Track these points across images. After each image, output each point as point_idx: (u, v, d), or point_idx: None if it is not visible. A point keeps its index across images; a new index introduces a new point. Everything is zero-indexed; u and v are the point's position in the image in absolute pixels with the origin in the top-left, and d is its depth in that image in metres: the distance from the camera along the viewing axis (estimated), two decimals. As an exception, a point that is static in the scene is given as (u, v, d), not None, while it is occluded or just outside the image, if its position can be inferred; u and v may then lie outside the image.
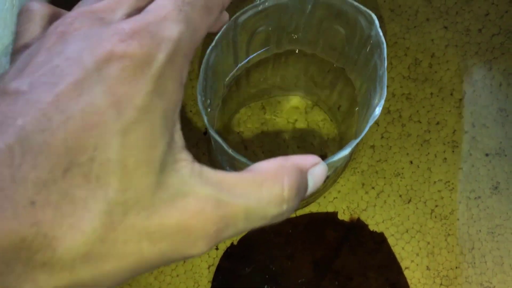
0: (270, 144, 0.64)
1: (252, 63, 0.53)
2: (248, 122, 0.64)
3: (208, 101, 0.43)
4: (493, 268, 0.59)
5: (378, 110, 0.39)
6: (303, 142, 0.64)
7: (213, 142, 0.43)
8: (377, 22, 0.42)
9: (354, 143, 0.38)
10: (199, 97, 0.39)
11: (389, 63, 0.66)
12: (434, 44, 0.66)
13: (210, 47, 0.41)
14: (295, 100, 0.65)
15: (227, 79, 0.50)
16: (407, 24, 0.67)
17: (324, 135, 0.64)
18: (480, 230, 0.60)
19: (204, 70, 0.40)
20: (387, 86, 0.63)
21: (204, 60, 0.41)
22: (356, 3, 0.43)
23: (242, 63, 0.51)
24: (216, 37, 0.42)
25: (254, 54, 0.51)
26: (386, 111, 0.64)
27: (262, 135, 0.64)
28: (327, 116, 0.64)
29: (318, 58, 0.54)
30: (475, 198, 0.61)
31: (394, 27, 0.67)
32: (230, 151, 0.37)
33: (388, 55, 0.66)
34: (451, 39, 0.66)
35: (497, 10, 0.67)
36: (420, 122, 0.64)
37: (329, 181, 0.57)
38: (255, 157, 0.63)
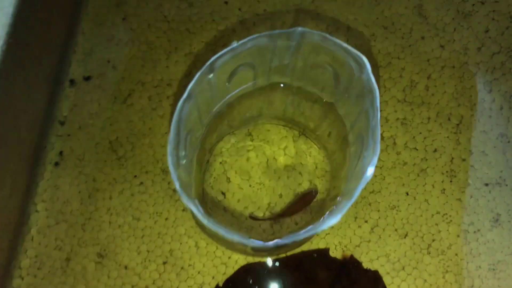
0: (261, 176, 0.59)
1: (234, 98, 0.49)
2: (232, 150, 0.60)
3: (183, 152, 0.39)
4: (494, 307, 0.56)
5: (370, 171, 0.35)
6: (293, 171, 0.60)
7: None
8: (369, 66, 0.38)
9: (346, 207, 0.34)
10: (169, 159, 0.34)
11: (383, 85, 0.62)
12: (430, 64, 0.62)
13: (182, 99, 0.37)
14: (283, 128, 0.60)
15: (206, 119, 0.46)
16: (401, 43, 0.63)
17: (312, 164, 0.60)
18: (480, 266, 0.57)
19: (176, 124, 0.36)
20: (381, 110, 0.59)
21: (175, 114, 0.36)
22: (345, 45, 0.39)
23: (223, 100, 0.46)
24: (189, 87, 0.37)
25: (236, 91, 0.46)
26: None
27: (248, 164, 0.60)
28: (314, 144, 0.60)
29: (306, 91, 0.49)
30: (475, 231, 0.58)
31: (387, 46, 0.63)
32: (205, 222, 0.33)
33: (381, 77, 0.61)
34: (448, 59, 0.62)
35: (497, 27, 0.63)
36: (417, 150, 0.60)
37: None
38: (240, 192, 0.59)
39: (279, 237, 0.48)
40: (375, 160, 0.35)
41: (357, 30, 0.63)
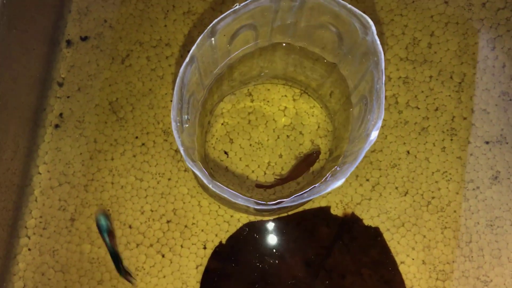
0: (258, 134, 0.60)
1: (234, 59, 0.48)
2: (233, 111, 0.60)
3: (185, 116, 0.39)
4: (491, 262, 0.57)
5: (374, 134, 0.35)
6: (292, 131, 0.60)
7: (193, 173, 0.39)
8: (373, 27, 0.37)
9: (349, 170, 0.34)
10: (173, 124, 0.34)
11: (385, 43, 0.61)
12: (433, 21, 0.61)
13: (184, 64, 0.36)
14: (283, 88, 0.60)
15: (207, 81, 0.45)
16: (404, -1, 0.61)
17: (314, 124, 0.60)
18: (478, 223, 0.58)
19: (179, 89, 0.35)
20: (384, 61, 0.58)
21: (178, 79, 0.36)
22: (349, 6, 0.38)
23: (224, 62, 0.46)
24: (191, 51, 0.37)
25: (237, 52, 0.45)
26: (381, 96, 0.60)
27: (249, 126, 0.60)
28: (316, 103, 0.60)
29: (308, 51, 0.49)
30: (474, 189, 0.59)
31: (390, 3, 0.61)
32: (210, 186, 0.33)
33: (384, 34, 0.60)
34: (452, 16, 0.61)
35: (502, -18, 0.61)
36: (418, 108, 0.60)
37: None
38: (241, 151, 0.59)
39: (281, 197, 0.48)
40: (379, 124, 0.35)
41: (359, -14, 0.61)
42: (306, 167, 0.56)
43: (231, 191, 0.35)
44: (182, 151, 0.35)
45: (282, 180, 0.56)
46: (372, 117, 0.36)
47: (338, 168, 0.40)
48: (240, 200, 0.35)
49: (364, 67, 0.40)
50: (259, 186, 0.57)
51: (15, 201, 0.58)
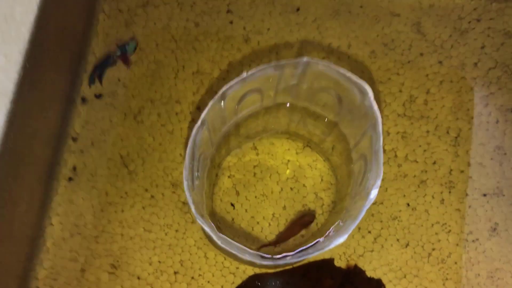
0: (263, 187, 0.62)
1: (241, 118, 0.51)
2: (239, 165, 0.63)
3: (196, 173, 0.41)
4: (493, 313, 0.58)
5: (374, 193, 0.37)
6: (296, 183, 0.62)
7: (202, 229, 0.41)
8: (371, 93, 0.40)
9: (351, 227, 0.37)
10: (185, 183, 0.37)
11: (383, 100, 0.64)
12: (429, 79, 0.64)
13: (196, 127, 0.39)
14: (286, 141, 0.63)
15: (216, 139, 0.48)
16: (401, 59, 0.65)
17: (318, 177, 0.62)
18: (479, 274, 0.59)
19: (191, 151, 0.38)
20: (382, 124, 0.62)
21: (190, 141, 0.39)
22: (348, 74, 0.41)
23: (231, 121, 0.49)
24: (202, 115, 0.40)
25: (244, 112, 0.49)
26: (381, 150, 0.62)
27: (255, 179, 0.62)
28: (319, 157, 0.62)
29: (310, 110, 0.52)
30: (473, 240, 0.60)
31: (387, 63, 0.65)
32: (219, 242, 0.36)
33: (382, 92, 0.64)
34: (446, 75, 0.64)
35: (493, 43, 0.65)
36: (417, 162, 0.62)
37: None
38: (247, 203, 0.62)
39: (286, 250, 0.50)
40: (378, 183, 0.38)
41: (358, 47, 0.65)
42: (299, 229, 0.58)
43: (239, 245, 0.37)
44: (193, 209, 0.37)
45: (275, 242, 0.58)
46: (371, 176, 0.39)
47: (341, 223, 0.42)
48: (247, 256, 0.37)
49: (363, 127, 0.43)
50: (262, 246, 0.59)
51: (27, 252, 0.60)
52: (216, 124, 0.46)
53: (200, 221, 0.37)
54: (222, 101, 0.42)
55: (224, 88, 0.41)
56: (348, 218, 0.39)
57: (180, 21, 0.67)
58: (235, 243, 0.38)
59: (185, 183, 0.37)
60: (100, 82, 0.63)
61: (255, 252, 0.38)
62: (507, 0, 0.66)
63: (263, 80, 0.44)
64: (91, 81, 0.63)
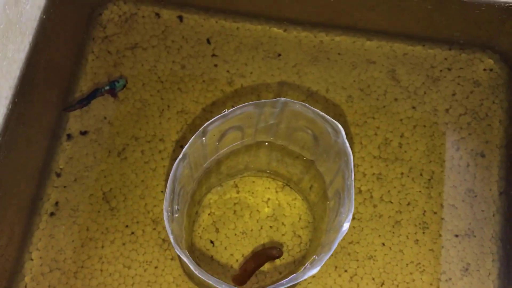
0: (243, 224, 0.63)
1: (222, 155, 0.53)
2: (219, 202, 0.64)
3: (176, 206, 0.43)
4: None
5: (346, 226, 0.39)
6: (275, 221, 0.64)
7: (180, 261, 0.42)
8: (343, 132, 0.43)
9: (324, 259, 0.38)
10: (165, 214, 0.38)
11: (360, 142, 0.67)
12: (403, 124, 0.68)
13: (177, 160, 0.41)
14: (267, 180, 0.65)
15: (197, 174, 0.50)
16: (376, 104, 0.68)
17: (296, 215, 0.64)
18: (452, 314, 0.60)
19: (171, 183, 0.40)
20: (358, 166, 0.64)
21: (172, 173, 0.41)
22: (322, 113, 0.44)
23: (212, 157, 0.51)
24: (184, 149, 0.42)
25: (225, 149, 0.51)
26: (357, 191, 0.65)
27: (235, 216, 0.64)
28: (298, 196, 0.64)
29: (288, 149, 0.54)
30: (446, 280, 0.62)
31: (363, 107, 0.68)
32: (197, 272, 0.37)
33: (358, 134, 0.67)
34: (420, 119, 0.68)
35: (463, 91, 0.69)
36: (392, 203, 0.64)
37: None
38: (227, 240, 0.63)
39: (264, 286, 0.51)
40: (350, 217, 0.40)
41: (336, 92, 0.68)
42: (265, 259, 0.59)
43: (216, 279, 0.38)
44: (172, 239, 0.39)
45: (243, 271, 0.59)
46: (344, 210, 0.41)
47: (316, 257, 0.44)
48: (224, 286, 0.39)
49: (337, 165, 0.46)
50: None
51: (4, 286, 0.60)
52: (198, 159, 0.48)
53: (178, 251, 0.38)
54: (204, 137, 0.44)
55: (206, 124, 0.43)
56: (322, 252, 0.41)
57: (167, 63, 0.70)
58: (212, 276, 0.39)
59: (164, 214, 0.39)
60: (81, 107, 0.66)
61: (231, 286, 0.39)
62: (475, 52, 0.70)
63: (244, 118, 0.46)
64: (70, 108, 0.66)
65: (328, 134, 0.45)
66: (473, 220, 0.64)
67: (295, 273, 0.51)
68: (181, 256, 0.38)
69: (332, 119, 0.45)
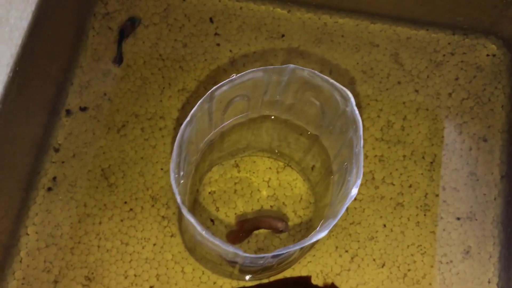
0: (244, 204, 0.63)
1: (227, 127, 0.52)
2: (220, 181, 0.63)
3: (181, 172, 0.42)
4: (466, 336, 0.59)
5: (354, 191, 0.38)
6: (276, 201, 0.63)
7: (185, 219, 0.42)
8: (352, 99, 0.42)
9: (331, 224, 0.38)
10: (172, 175, 0.38)
11: (362, 125, 0.66)
12: (405, 107, 0.67)
13: (185, 123, 0.40)
14: (268, 160, 0.64)
15: (201, 145, 0.49)
16: (379, 87, 0.68)
17: (297, 195, 0.63)
18: (452, 296, 0.60)
19: (178, 145, 0.39)
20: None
21: (179, 136, 0.40)
22: (331, 80, 0.43)
23: (217, 129, 0.50)
24: (191, 112, 0.41)
25: (230, 120, 0.50)
26: (359, 172, 0.64)
27: (235, 195, 0.63)
28: (299, 176, 0.64)
29: (293, 124, 0.53)
30: (447, 262, 0.61)
31: (366, 89, 0.68)
32: (204, 233, 0.36)
33: (361, 116, 0.66)
34: (422, 103, 0.68)
35: (466, 75, 0.69)
36: (393, 185, 0.64)
37: (305, 249, 0.56)
38: (227, 219, 0.62)
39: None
40: (358, 182, 0.39)
41: (339, 74, 0.68)
42: (267, 226, 0.59)
43: (222, 241, 0.37)
44: (178, 200, 0.38)
45: (243, 222, 0.59)
46: (351, 178, 0.40)
47: (319, 228, 0.43)
48: (231, 248, 0.38)
49: (344, 136, 0.45)
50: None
51: (0, 261, 0.59)
52: (203, 127, 0.47)
53: (184, 211, 0.38)
54: (212, 102, 0.43)
55: (213, 88, 0.42)
56: (330, 217, 0.40)
57: (169, 41, 0.69)
58: (217, 238, 0.38)
59: (171, 175, 0.38)
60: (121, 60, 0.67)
61: (237, 248, 0.39)
62: (478, 37, 0.70)
63: (251, 86, 0.45)
64: (119, 61, 0.67)
65: (337, 103, 0.45)
66: (475, 203, 0.64)
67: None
68: (187, 216, 0.38)
69: (342, 86, 0.44)
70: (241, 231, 0.58)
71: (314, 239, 0.38)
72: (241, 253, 0.38)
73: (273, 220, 0.59)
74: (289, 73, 0.45)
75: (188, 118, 0.41)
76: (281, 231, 0.59)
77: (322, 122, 0.49)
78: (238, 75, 0.43)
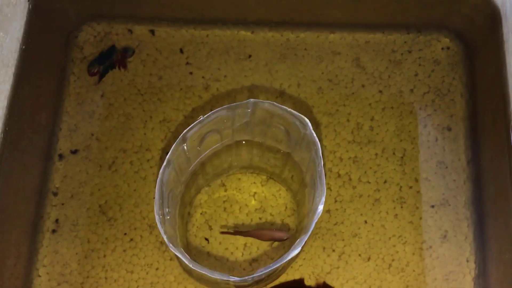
0: (234, 219, 0.67)
1: (205, 158, 0.57)
2: (209, 201, 0.68)
3: (166, 209, 0.47)
4: (452, 313, 0.64)
5: (320, 208, 0.43)
6: (263, 213, 0.68)
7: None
8: (309, 124, 0.47)
9: (304, 239, 0.42)
10: (156, 217, 0.42)
11: (334, 130, 0.71)
12: (372, 108, 0.72)
13: (163, 167, 0.45)
14: (251, 175, 0.69)
15: (183, 178, 0.54)
16: (345, 92, 0.73)
17: (282, 205, 0.68)
18: (435, 278, 0.65)
19: (159, 188, 0.44)
20: (335, 151, 0.68)
21: (158, 180, 0.45)
22: (289, 110, 0.48)
23: (196, 161, 0.55)
24: (167, 156, 0.46)
25: (207, 152, 0.55)
26: (336, 175, 0.69)
27: (225, 213, 0.68)
28: (281, 187, 0.68)
29: (266, 145, 0.58)
30: (427, 248, 0.66)
31: (334, 96, 0.72)
32: (191, 265, 0.41)
33: (331, 122, 0.71)
34: (387, 102, 0.72)
35: (424, 70, 0.73)
36: (369, 183, 0.69)
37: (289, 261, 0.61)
38: (220, 236, 0.67)
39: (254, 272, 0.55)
40: (323, 199, 0.44)
41: (307, 85, 0.73)
42: (270, 238, 0.64)
43: (209, 269, 0.42)
44: (165, 239, 0.43)
45: (245, 232, 0.64)
46: (318, 194, 0.45)
47: (298, 241, 0.48)
48: (217, 275, 0.43)
49: (309, 154, 0.50)
50: (224, 232, 0.64)
51: (18, 304, 0.64)
52: (182, 164, 0.52)
53: (172, 248, 0.43)
54: (185, 143, 0.48)
55: (184, 131, 0.47)
56: (302, 233, 0.45)
57: (144, 76, 0.74)
58: (205, 268, 0.43)
59: (156, 217, 0.43)
60: (100, 79, 0.69)
61: (223, 274, 0.44)
62: (432, 33, 0.75)
63: (219, 121, 0.50)
64: (92, 71, 0.69)
65: (297, 128, 0.49)
66: (446, 189, 0.68)
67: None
68: (175, 253, 0.42)
69: (299, 114, 0.49)
70: (238, 234, 0.63)
71: (290, 256, 0.43)
72: (226, 278, 0.43)
73: (274, 232, 0.64)
74: (252, 106, 0.50)
75: (165, 162, 0.46)
76: (285, 240, 0.64)
77: (289, 143, 0.54)
78: (205, 116, 0.48)
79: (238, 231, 0.65)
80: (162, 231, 0.43)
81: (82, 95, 0.74)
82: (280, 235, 0.63)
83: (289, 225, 0.67)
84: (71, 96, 0.73)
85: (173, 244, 0.45)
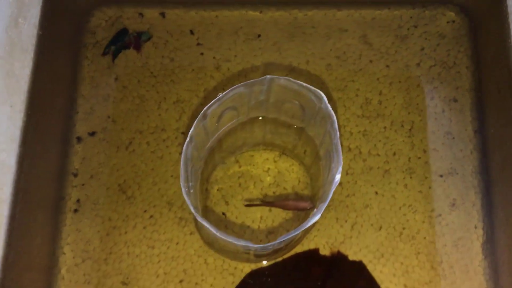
0: (249, 194, 0.70)
1: (222, 134, 0.59)
2: (225, 178, 0.71)
3: (190, 183, 0.49)
4: (461, 277, 0.66)
5: (337, 177, 0.46)
6: (277, 187, 0.70)
7: (200, 224, 0.49)
8: (325, 98, 0.49)
9: (323, 207, 0.45)
10: (183, 189, 0.45)
11: (343, 105, 0.73)
12: (380, 82, 0.74)
13: (186, 143, 0.47)
14: (264, 152, 0.71)
15: (203, 153, 0.56)
16: (353, 68, 0.74)
17: (295, 179, 0.71)
18: (445, 245, 0.68)
19: (184, 163, 0.46)
20: (345, 126, 0.70)
21: (183, 155, 0.47)
22: (305, 84, 0.50)
23: (214, 137, 0.57)
24: (190, 132, 0.48)
25: (224, 128, 0.57)
26: (347, 149, 0.71)
27: (240, 188, 0.70)
28: (294, 161, 0.71)
29: (280, 120, 0.60)
30: (437, 216, 0.69)
31: (342, 72, 0.74)
32: (218, 234, 0.43)
33: (341, 98, 0.73)
34: (394, 76, 0.74)
35: (430, 44, 0.75)
36: (379, 155, 0.71)
37: (307, 230, 0.63)
38: (236, 210, 0.69)
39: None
40: (340, 169, 0.46)
41: (315, 63, 0.75)
42: (294, 208, 0.66)
43: (234, 237, 0.45)
44: (192, 209, 0.45)
45: (269, 203, 0.67)
46: (334, 165, 0.47)
47: (316, 210, 0.51)
48: (242, 242, 0.45)
49: (324, 128, 0.52)
50: (249, 205, 0.67)
51: (45, 280, 0.67)
52: (202, 140, 0.54)
53: (199, 218, 0.45)
54: (205, 120, 0.50)
55: (205, 108, 0.49)
56: (321, 201, 0.47)
57: (157, 58, 0.76)
58: (229, 236, 0.45)
59: (183, 189, 0.45)
60: (113, 59, 0.71)
61: (246, 241, 0.46)
62: (437, 7, 0.76)
63: (236, 98, 0.52)
64: (105, 51, 0.71)
65: (313, 102, 0.51)
66: (454, 159, 0.71)
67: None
68: (202, 222, 0.45)
69: (315, 88, 0.51)
70: (263, 205, 0.66)
71: (310, 223, 0.45)
72: (250, 245, 0.46)
73: (298, 202, 0.66)
74: (268, 83, 0.51)
75: (188, 139, 0.48)
76: (309, 209, 0.66)
77: (304, 117, 0.56)
78: (224, 93, 0.50)
79: (265, 201, 0.67)
80: (189, 202, 0.45)
81: (96, 78, 0.75)
82: (304, 205, 0.66)
83: (303, 197, 0.69)
84: (86, 80, 0.75)
85: (199, 214, 0.47)
